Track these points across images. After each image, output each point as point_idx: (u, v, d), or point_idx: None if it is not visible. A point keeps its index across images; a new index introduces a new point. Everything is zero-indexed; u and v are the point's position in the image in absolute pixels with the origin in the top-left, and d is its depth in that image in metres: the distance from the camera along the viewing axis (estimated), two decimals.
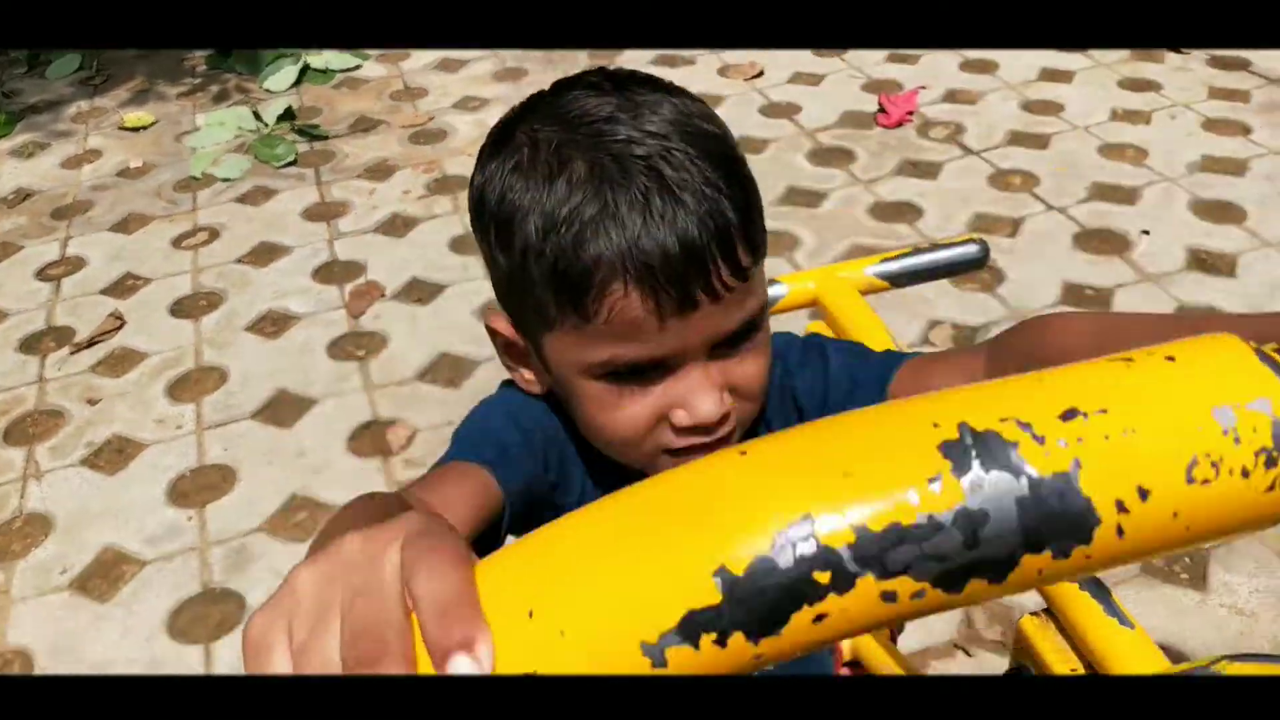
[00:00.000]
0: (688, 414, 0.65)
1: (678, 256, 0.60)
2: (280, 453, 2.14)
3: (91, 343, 2.51)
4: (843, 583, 0.26)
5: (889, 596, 0.27)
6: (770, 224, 0.70)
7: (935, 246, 1.29)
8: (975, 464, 0.27)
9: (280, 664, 0.32)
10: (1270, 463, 0.28)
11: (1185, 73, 3.37)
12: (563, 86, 0.67)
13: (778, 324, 0.77)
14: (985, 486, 0.27)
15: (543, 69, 3.66)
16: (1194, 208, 2.72)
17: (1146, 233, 2.64)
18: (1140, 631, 0.81)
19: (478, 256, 2.72)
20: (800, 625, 0.27)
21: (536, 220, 0.62)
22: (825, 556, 0.26)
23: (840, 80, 3.49)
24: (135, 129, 3.54)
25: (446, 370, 2.35)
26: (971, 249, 1.28)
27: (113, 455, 2.18)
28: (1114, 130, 3.10)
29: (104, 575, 1.91)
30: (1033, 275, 2.53)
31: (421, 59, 3.84)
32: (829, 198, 2.88)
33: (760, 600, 0.26)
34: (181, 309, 2.63)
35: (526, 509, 0.69)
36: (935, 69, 3.49)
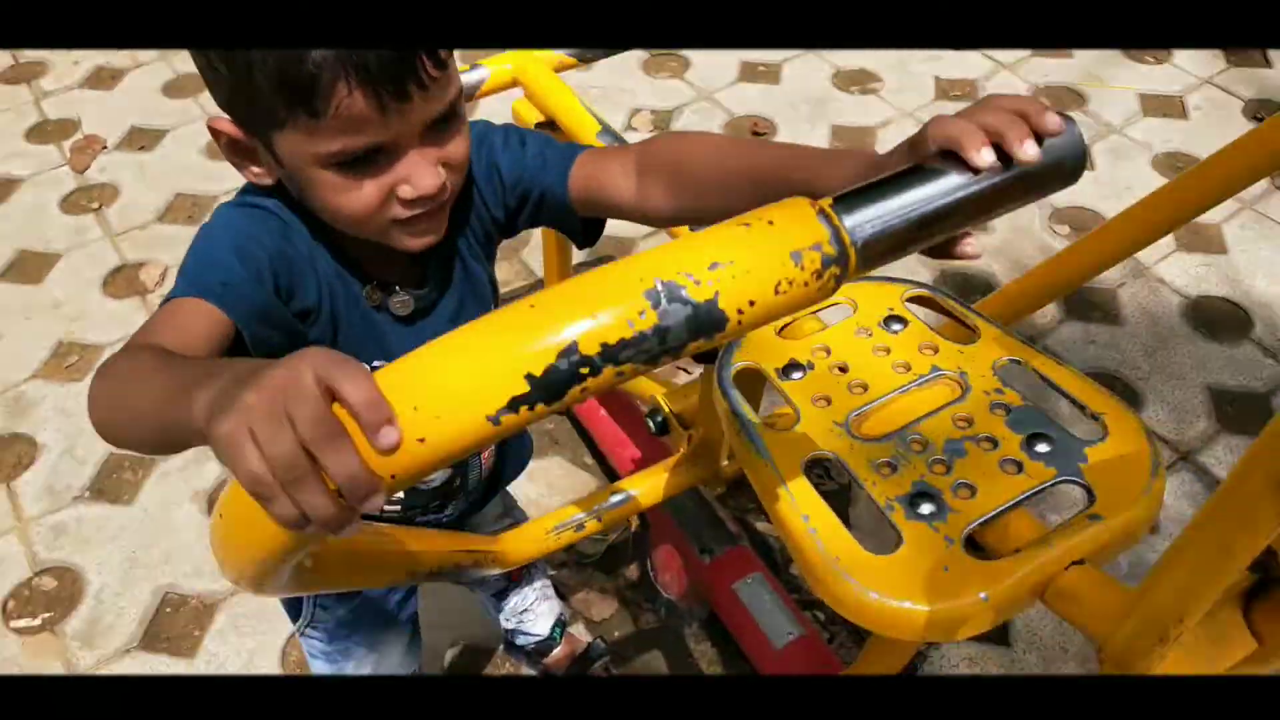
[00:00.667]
0: (412, 188, 0.76)
1: (390, 54, 0.69)
2: (36, 307, 2.22)
3: None
4: (595, 372, 0.47)
5: (620, 374, 0.48)
6: None
7: None
8: (664, 300, 0.47)
9: (252, 455, 0.45)
10: (818, 276, 0.51)
11: None
12: None
13: (490, 105, 0.90)
14: (670, 313, 0.48)
15: None
16: None
17: None
18: None
19: (194, 99, 2.79)
20: (573, 395, 0.47)
21: None
22: (586, 361, 0.46)
23: None
24: None
25: (185, 209, 2.45)
26: None
27: None
28: None
29: None
30: (717, 59, 2.85)
31: None
32: None
33: (552, 387, 0.46)
34: None
35: (268, 328, 0.79)
36: None
